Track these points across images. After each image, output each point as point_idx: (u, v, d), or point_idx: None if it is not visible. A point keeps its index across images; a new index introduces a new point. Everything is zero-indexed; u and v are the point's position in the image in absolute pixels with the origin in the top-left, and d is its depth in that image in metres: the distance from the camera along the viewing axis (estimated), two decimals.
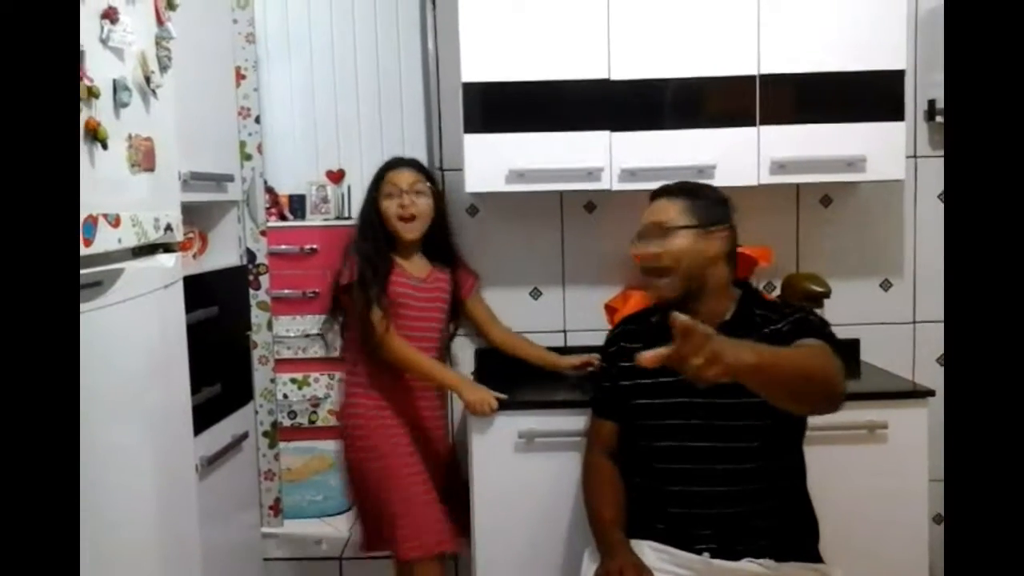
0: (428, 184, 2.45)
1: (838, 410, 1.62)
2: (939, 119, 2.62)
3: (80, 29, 1.35)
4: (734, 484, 1.84)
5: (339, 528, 2.68)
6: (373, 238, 2.41)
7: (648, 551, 1.84)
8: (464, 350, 2.69)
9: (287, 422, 2.72)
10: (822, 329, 1.80)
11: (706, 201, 1.92)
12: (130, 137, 1.59)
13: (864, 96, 2.33)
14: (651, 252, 1.90)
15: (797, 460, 1.92)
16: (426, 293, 2.45)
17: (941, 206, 2.67)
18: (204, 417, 2.06)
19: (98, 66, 1.47)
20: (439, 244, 2.52)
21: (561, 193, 2.63)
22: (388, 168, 2.45)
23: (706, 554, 1.82)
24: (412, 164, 2.47)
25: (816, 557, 1.88)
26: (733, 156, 2.33)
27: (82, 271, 1.37)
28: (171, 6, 1.79)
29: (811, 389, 1.56)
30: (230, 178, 2.36)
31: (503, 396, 2.26)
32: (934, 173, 2.67)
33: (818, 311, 2.48)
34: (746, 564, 1.80)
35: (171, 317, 1.79)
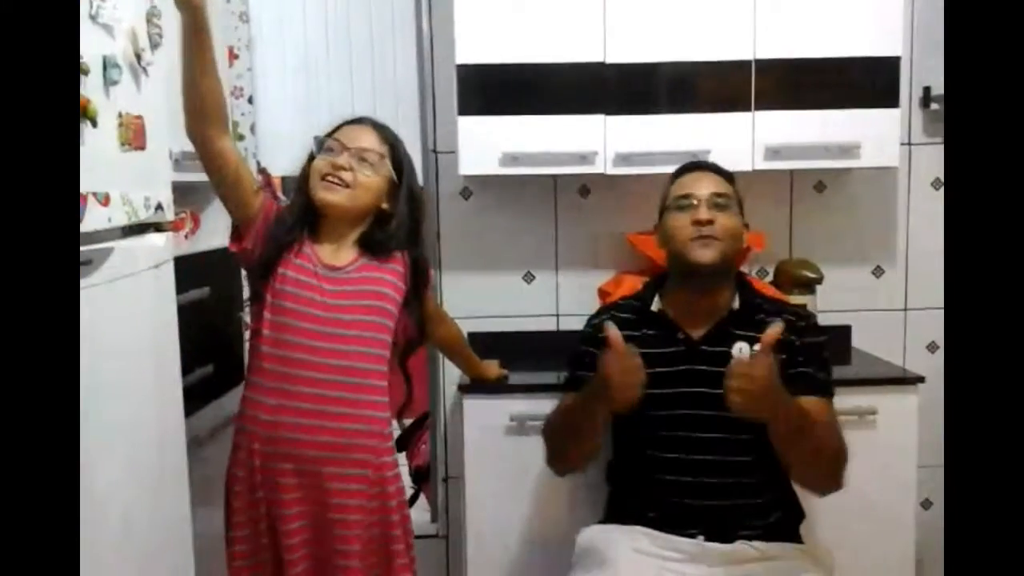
0: (385, 158, 1.90)
1: (830, 493, 1.85)
2: (934, 106, 2.62)
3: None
4: (725, 475, 1.84)
5: None
6: (289, 212, 1.92)
7: (641, 536, 1.85)
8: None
9: None
10: (825, 373, 1.88)
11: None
12: (120, 115, 1.57)
13: (859, 82, 2.33)
14: (708, 217, 1.86)
15: None
16: (337, 286, 1.87)
17: (935, 194, 2.67)
18: (196, 397, 2.05)
19: (87, 43, 1.44)
20: (383, 240, 1.92)
21: (555, 177, 2.62)
22: (345, 124, 1.94)
23: (700, 537, 1.82)
24: (377, 127, 1.93)
25: (797, 539, 1.89)
26: (727, 141, 2.32)
27: None
28: None
29: (818, 462, 1.78)
30: None
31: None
32: (928, 160, 2.67)
33: (810, 297, 2.50)
34: (740, 546, 1.81)
35: (162, 297, 1.78)
